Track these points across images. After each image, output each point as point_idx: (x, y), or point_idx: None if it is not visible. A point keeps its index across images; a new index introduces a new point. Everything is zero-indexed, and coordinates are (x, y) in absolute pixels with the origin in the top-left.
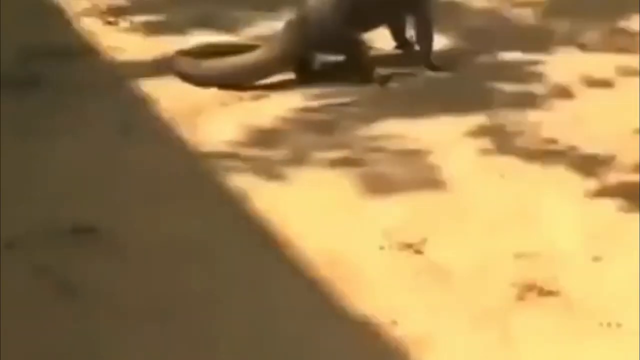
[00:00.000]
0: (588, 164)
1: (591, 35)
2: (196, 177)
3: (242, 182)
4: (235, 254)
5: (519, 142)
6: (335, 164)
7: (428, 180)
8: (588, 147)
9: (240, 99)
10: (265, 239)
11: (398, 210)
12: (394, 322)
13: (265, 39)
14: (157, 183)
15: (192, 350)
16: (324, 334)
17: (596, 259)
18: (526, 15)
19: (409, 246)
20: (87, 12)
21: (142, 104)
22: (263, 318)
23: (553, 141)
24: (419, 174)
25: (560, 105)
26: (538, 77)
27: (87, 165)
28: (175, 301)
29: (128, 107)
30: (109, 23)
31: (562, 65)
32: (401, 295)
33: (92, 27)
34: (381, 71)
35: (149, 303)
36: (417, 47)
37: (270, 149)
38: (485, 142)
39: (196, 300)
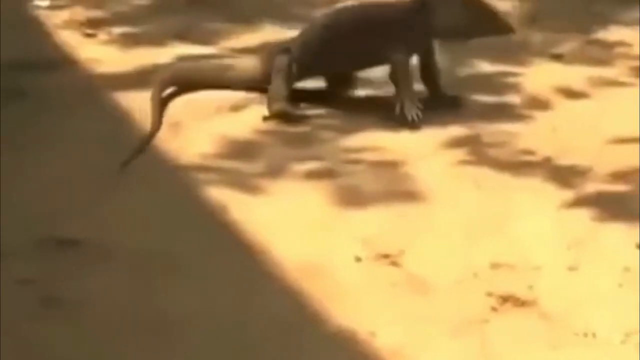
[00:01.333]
0: (564, 175)
1: (567, 46)
2: (176, 190)
3: (220, 194)
4: (215, 266)
5: (495, 153)
6: (311, 175)
7: (404, 191)
8: (564, 157)
9: (219, 110)
10: (243, 251)
11: (374, 222)
12: (372, 334)
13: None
14: (137, 195)
15: None
16: (303, 346)
17: (572, 269)
18: None
19: (385, 257)
20: (66, 25)
21: (123, 116)
22: (243, 330)
23: (529, 152)
24: (395, 186)
25: (536, 116)
26: (514, 88)
27: (69, 177)
28: (158, 314)
29: (108, 120)
30: (88, 35)
31: (537, 76)
32: (379, 307)
33: (71, 39)
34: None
35: (134, 317)
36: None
37: (247, 162)
38: (461, 153)
39: (178, 313)
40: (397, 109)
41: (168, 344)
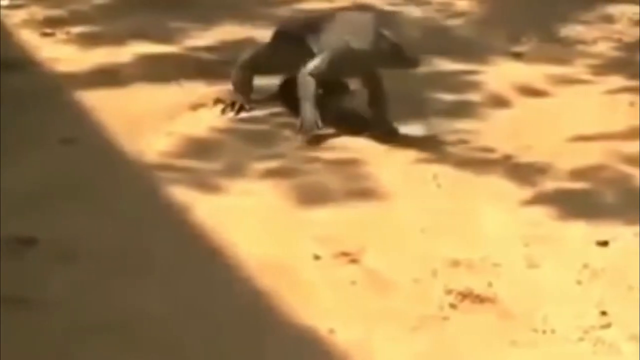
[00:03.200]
0: (524, 172)
1: (527, 44)
2: (136, 188)
3: (181, 193)
4: (177, 265)
5: (455, 151)
6: (271, 174)
7: (363, 189)
8: (524, 155)
9: (179, 108)
10: (204, 250)
11: (334, 220)
12: (332, 331)
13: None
14: (100, 195)
15: None
16: (264, 343)
17: (531, 266)
18: (462, 25)
19: (345, 255)
20: (25, 24)
21: (83, 115)
22: (205, 329)
23: (489, 150)
24: (355, 184)
25: (496, 114)
26: (474, 86)
27: (28, 176)
28: (121, 314)
29: (69, 119)
30: (46, 34)
31: (498, 74)
32: (338, 304)
33: (30, 39)
34: None
35: (97, 317)
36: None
37: (208, 160)
38: (422, 151)
39: (140, 312)
40: (298, 123)
41: (131, 343)
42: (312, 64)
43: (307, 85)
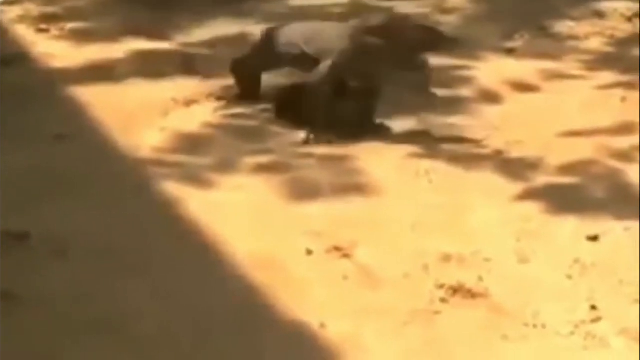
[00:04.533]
0: (514, 167)
1: (518, 40)
2: (129, 184)
3: (174, 188)
4: (168, 260)
5: (446, 146)
6: (263, 169)
7: (355, 184)
8: (514, 150)
9: (173, 104)
10: (196, 245)
11: (326, 215)
12: (323, 325)
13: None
14: (92, 190)
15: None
16: (256, 338)
17: (522, 260)
18: (454, 21)
19: (337, 250)
20: (20, 20)
21: (77, 110)
22: (196, 324)
23: (480, 145)
24: (346, 179)
25: (488, 109)
26: (466, 82)
27: (21, 171)
28: (115, 310)
29: (63, 115)
30: (41, 30)
31: (490, 70)
32: (330, 299)
33: (25, 35)
34: None
35: (86, 313)
36: None
37: (200, 156)
38: (413, 146)
39: (132, 308)
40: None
41: (123, 339)
42: (320, 72)
43: (318, 94)
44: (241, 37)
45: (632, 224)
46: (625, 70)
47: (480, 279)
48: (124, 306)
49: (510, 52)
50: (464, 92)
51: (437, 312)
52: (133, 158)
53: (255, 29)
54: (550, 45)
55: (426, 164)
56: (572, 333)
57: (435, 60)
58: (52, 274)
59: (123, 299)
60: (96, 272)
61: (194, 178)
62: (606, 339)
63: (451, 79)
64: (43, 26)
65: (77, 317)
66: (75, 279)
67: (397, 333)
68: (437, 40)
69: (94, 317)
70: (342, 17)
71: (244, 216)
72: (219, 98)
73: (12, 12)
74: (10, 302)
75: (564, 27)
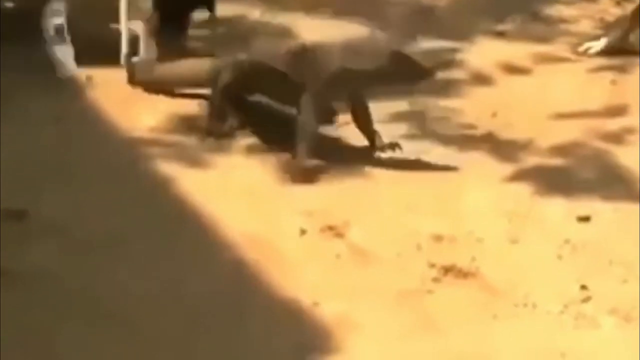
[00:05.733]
0: (505, 149)
1: (509, 23)
2: (125, 164)
3: (167, 168)
4: (162, 239)
5: (439, 127)
6: (256, 149)
7: (349, 164)
8: (505, 132)
9: None
10: (190, 224)
11: (319, 194)
12: (316, 304)
13: None
14: (87, 170)
15: (128, 342)
16: (249, 317)
17: (513, 241)
18: (446, 4)
19: (330, 229)
20: None
21: (73, 91)
22: (189, 303)
23: (472, 127)
24: (339, 159)
25: (479, 91)
26: (457, 64)
27: (18, 151)
28: (106, 289)
29: (59, 95)
30: None
31: (481, 52)
32: (322, 277)
33: None
34: None
35: (80, 293)
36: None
37: (193, 136)
38: (406, 128)
39: (124, 289)
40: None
41: (113, 318)
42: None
43: (308, 125)
44: (240, 18)
45: (622, 205)
46: (615, 53)
47: (472, 259)
48: (116, 285)
49: (501, 34)
50: (456, 74)
51: (429, 291)
52: (130, 139)
53: (254, 11)
54: (541, 28)
55: (419, 145)
56: (562, 312)
57: (427, 43)
58: (43, 252)
59: (114, 278)
60: (91, 250)
61: (188, 158)
62: (596, 318)
63: (443, 61)
64: None
65: (66, 295)
66: (65, 258)
67: (390, 311)
68: (412, 72)
69: (90, 295)
70: None
71: (238, 196)
72: None
73: None
74: (9, 278)
75: (554, 10)
